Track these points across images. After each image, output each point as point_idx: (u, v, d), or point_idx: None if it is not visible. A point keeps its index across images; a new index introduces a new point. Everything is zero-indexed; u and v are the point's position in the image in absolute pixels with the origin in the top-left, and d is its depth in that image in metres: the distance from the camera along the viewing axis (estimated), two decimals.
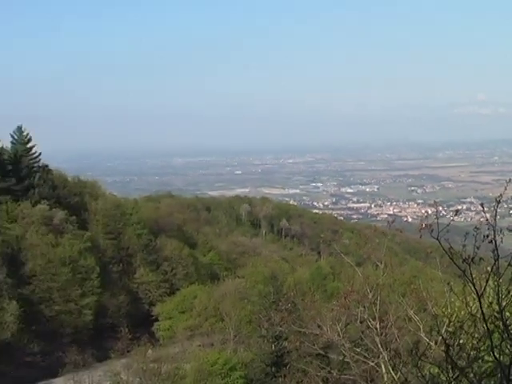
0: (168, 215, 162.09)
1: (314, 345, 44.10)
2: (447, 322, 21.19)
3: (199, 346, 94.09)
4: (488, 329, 15.17)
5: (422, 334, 30.61)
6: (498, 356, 15.08)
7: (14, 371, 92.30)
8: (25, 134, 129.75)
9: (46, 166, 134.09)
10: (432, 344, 26.16)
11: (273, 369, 70.41)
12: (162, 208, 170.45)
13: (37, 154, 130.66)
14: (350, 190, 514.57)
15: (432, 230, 14.89)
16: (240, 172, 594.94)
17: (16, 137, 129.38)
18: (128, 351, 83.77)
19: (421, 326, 31.62)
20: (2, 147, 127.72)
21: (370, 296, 35.74)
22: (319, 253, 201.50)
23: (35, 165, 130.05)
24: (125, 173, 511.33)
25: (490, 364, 16.52)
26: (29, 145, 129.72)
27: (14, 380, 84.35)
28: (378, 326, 34.82)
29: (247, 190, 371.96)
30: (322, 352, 45.85)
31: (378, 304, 35.38)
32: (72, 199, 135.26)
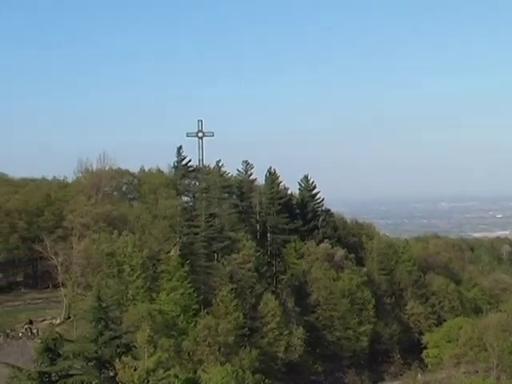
0: (435, 254, 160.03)
1: None
2: None
3: (464, 372, 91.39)
4: None
5: None
6: None
7: None
8: (310, 182, 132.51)
9: (329, 209, 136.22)
10: None
11: None
12: (430, 247, 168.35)
13: (320, 199, 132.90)
14: None
15: None
16: (501, 216, 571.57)
17: (303, 184, 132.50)
18: (400, 375, 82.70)
19: None
20: (292, 194, 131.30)
21: None
22: None
23: (319, 209, 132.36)
24: (397, 216, 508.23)
25: None
26: (313, 191, 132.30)
27: None
28: None
29: (507, 232, 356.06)
30: None
31: None
32: (350, 239, 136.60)
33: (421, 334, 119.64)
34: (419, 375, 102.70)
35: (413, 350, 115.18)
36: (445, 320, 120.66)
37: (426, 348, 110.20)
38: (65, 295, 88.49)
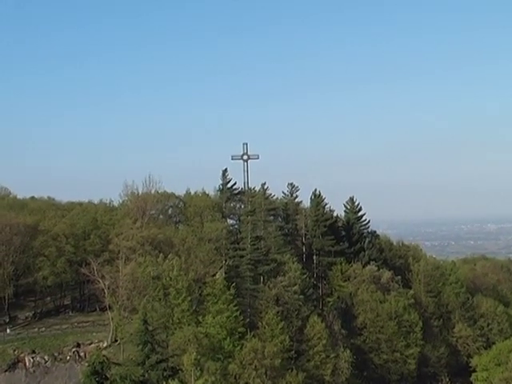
0: (483, 276, 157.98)
1: None
2: None
3: None
4: None
5: None
6: None
7: None
8: (356, 204, 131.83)
9: (374, 231, 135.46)
10: None
11: None
12: (478, 269, 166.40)
13: (366, 222, 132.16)
14: None
15: None
16: None
17: (348, 206, 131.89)
18: None
19: None
20: (337, 216, 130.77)
21: None
22: None
23: (365, 231, 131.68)
24: (443, 238, 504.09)
25: None
26: (359, 213, 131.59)
27: None
28: None
29: None
30: None
31: None
32: (397, 261, 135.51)
33: (469, 356, 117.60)
34: None
35: (461, 373, 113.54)
36: (494, 343, 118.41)
37: (474, 371, 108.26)
38: (111, 318, 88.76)
